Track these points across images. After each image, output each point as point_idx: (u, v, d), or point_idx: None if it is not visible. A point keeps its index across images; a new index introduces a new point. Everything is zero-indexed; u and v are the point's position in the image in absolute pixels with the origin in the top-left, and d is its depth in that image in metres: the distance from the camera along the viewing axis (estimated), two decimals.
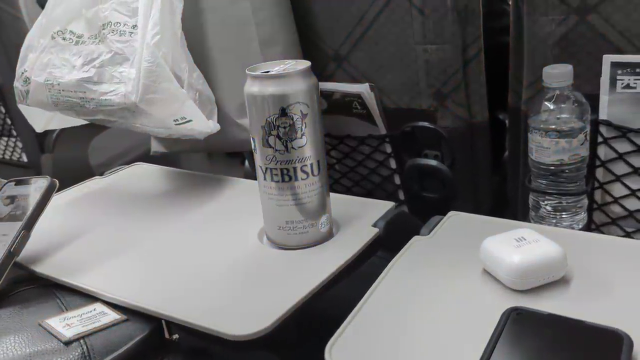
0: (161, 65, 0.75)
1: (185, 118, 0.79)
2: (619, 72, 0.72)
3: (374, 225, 0.70)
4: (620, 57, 0.71)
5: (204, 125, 0.81)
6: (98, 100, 0.77)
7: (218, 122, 0.85)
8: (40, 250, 0.72)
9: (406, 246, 0.65)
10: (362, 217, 0.72)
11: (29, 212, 0.68)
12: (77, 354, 0.56)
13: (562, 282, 0.56)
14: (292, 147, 0.64)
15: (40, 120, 0.91)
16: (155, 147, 0.99)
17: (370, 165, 0.97)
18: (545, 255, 0.55)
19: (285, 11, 0.87)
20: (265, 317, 0.55)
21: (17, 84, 0.83)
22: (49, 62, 0.80)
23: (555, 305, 0.53)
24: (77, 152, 1.43)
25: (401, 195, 0.97)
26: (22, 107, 0.87)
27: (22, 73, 0.82)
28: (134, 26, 0.77)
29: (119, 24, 0.77)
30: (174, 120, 0.79)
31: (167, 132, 0.82)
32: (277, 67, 0.65)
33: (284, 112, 0.62)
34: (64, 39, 0.80)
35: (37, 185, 0.71)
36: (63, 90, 0.79)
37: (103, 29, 0.78)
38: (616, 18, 0.71)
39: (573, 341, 0.48)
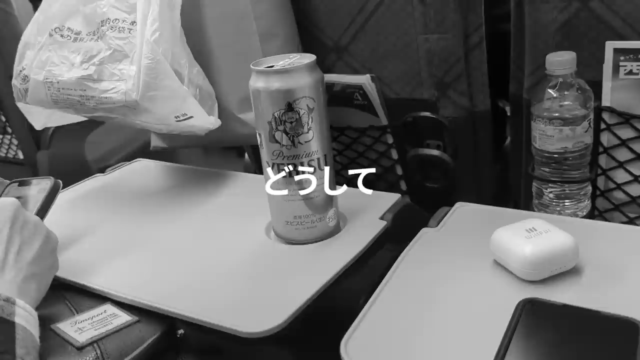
0: (161, 62, 0.74)
1: (186, 115, 0.78)
2: (622, 58, 0.71)
3: (382, 218, 0.70)
4: (623, 43, 0.71)
5: (205, 121, 0.80)
6: (98, 98, 0.76)
7: (219, 117, 0.84)
8: None
9: (415, 238, 0.65)
10: (368, 210, 0.72)
11: None
12: (90, 358, 0.56)
13: (573, 271, 0.56)
14: (299, 142, 0.63)
15: (40, 117, 0.90)
16: (155, 142, 0.98)
17: (372, 156, 0.96)
18: (557, 246, 0.55)
19: (284, 3, 0.86)
20: (279, 313, 0.55)
21: (16, 82, 0.82)
22: (47, 59, 0.79)
23: (568, 295, 0.53)
24: (73, 147, 1.42)
25: (403, 186, 0.97)
26: (21, 105, 0.86)
27: (21, 71, 0.81)
28: (133, 22, 0.76)
29: (117, 21, 0.76)
30: (175, 117, 0.78)
31: (168, 129, 0.81)
32: (281, 62, 0.64)
33: (290, 107, 0.62)
34: (62, 35, 0.79)
35: (41, 187, 0.70)
36: (63, 89, 0.78)
37: (102, 26, 0.77)
38: (619, 4, 0.71)
39: (589, 332, 0.48)
